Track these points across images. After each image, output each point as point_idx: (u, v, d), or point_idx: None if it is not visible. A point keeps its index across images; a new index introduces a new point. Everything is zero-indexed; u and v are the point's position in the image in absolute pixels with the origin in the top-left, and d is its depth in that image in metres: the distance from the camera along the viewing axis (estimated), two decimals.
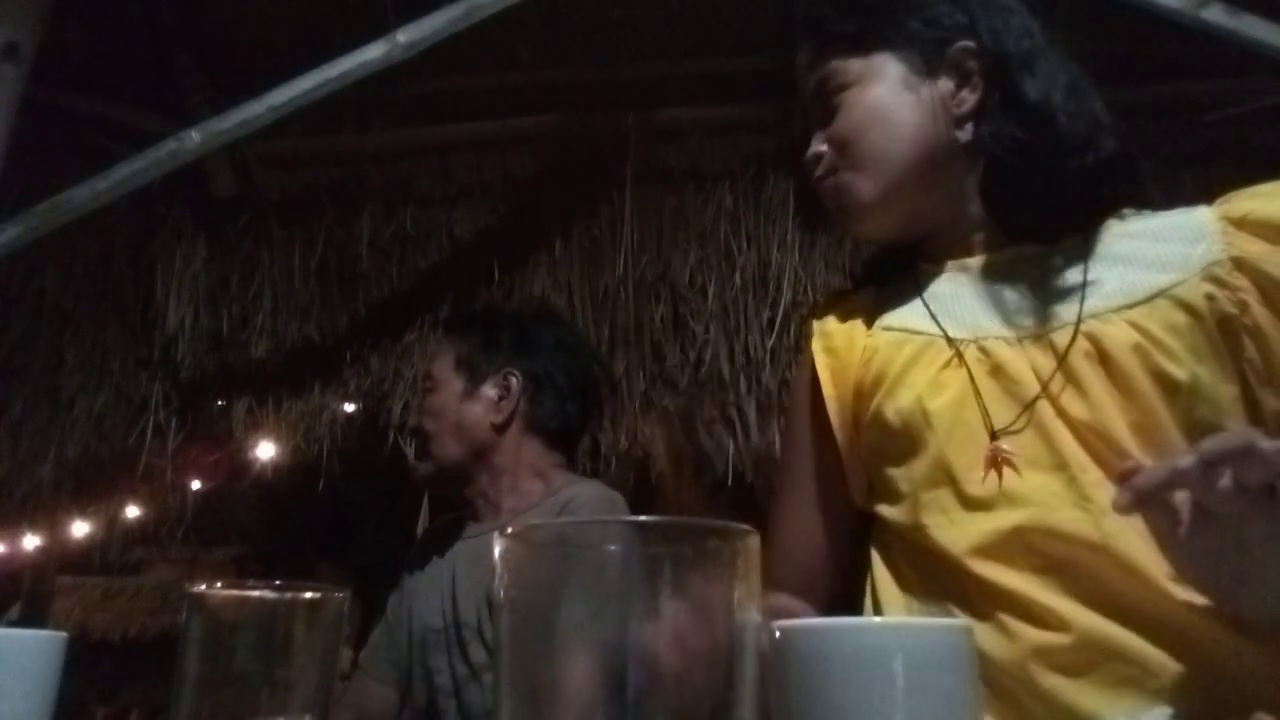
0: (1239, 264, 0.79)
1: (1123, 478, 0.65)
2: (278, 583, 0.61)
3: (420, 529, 3.83)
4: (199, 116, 1.98)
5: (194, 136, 1.86)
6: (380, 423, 2.59)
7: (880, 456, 0.89)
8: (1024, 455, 0.80)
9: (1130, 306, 0.80)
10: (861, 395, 0.91)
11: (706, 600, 0.40)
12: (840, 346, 0.95)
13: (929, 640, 0.46)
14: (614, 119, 2.51)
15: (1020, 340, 0.85)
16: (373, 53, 1.83)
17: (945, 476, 0.83)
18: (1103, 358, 0.80)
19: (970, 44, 0.92)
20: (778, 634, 0.47)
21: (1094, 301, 0.82)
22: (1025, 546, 0.78)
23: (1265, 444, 0.61)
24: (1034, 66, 0.91)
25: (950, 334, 0.88)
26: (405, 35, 1.82)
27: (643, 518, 0.41)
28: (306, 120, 2.19)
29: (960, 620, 0.48)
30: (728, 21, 2.35)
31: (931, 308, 0.91)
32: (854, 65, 0.94)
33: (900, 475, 0.86)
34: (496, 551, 0.42)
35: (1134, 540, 0.74)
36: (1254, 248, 0.80)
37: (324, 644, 0.62)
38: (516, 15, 1.95)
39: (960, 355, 0.86)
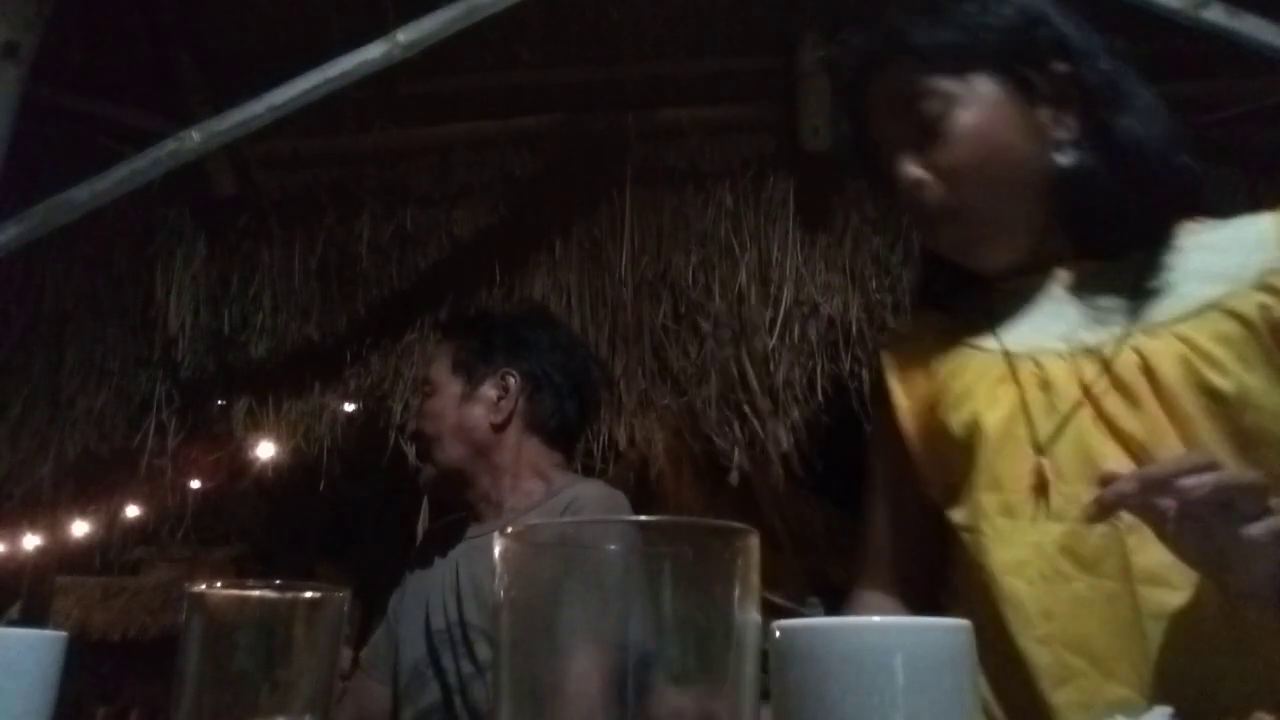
0: None
1: (1100, 484, 0.69)
2: (278, 583, 0.61)
3: (420, 529, 3.83)
4: (199, 116, 1.99)
5: (194, 136, 1.86)
6: (380, 423, 2.59)
7: (947, 465, 0.92)
8: (1065, 469, 0.82)
9: (1182, 320, 0.82)
10: (932, 407, 0.94)
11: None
12: (912, 361, 0.99)
13: (929, 640, 0.46)
14: (614, 119, 2.51)
15: (1073, 354, 0.87)
16: (373, 53, 1.83)
17: (995, 487, 0.86)
18: (1149, 372, 0.81)
19: (1066, 67, 0.90)
20: (778, 634, 0.47)
21: (1147, 316, 0.84)
22: (1057, 557, 0.81)
23: (1206, 472, 0.66)
24: (1122, 89, 0.91)
25: (1009, 348, 0.90)
26: (405, 35, 1.82)
27: (643, 518, 0.41)
28: (306, 120, 2.19)
29: (960, 620, 0.48)
30: (728, 21, 2.35)
31: (997, 323, 0.93)
32: (951, 86, 0.90)
33: (962, 484, 0.89)
34: (496, 551, 0.42)
35: (1157, 554, 0.75)
36: None
37: (324, 644, 0.62)
38: (516, 15, 1.95)
39: (1014, 370, 0.88)
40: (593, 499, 1.41)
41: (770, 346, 2.44)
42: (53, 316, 2.72)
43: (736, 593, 0.40)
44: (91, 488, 3.04)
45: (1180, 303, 0.83)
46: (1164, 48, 2.18)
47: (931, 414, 0.94)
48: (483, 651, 1.36)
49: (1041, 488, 0.83)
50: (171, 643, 0.59)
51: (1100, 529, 0.78)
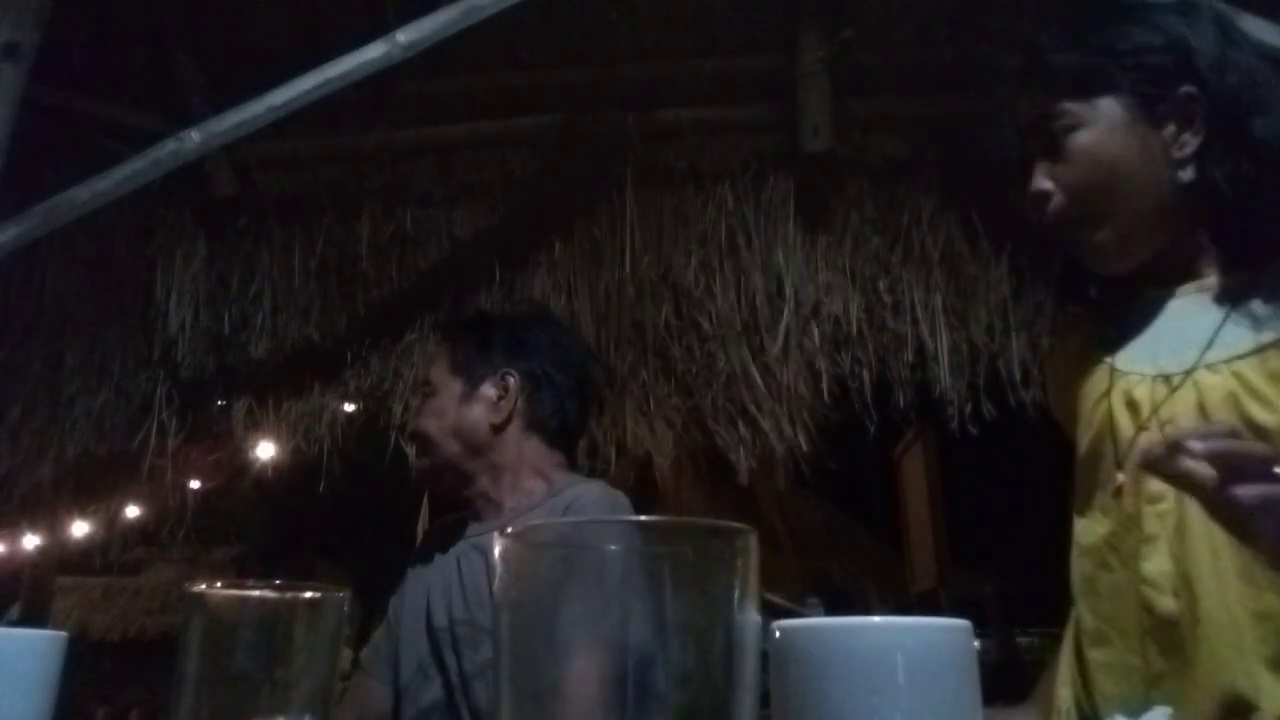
0: None
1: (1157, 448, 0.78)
2: (278, 583, 0.61)
3: (420, 529, 3.83)
4: (199, 116, 1.98)
5: (194, 136, 1.86)
6: (380, 423, 2.59)
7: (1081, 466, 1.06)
8: (1135, 483, 0.94)
9: (1243, 356, 0.90)
10: (1074, 417, 1.07)
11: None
12: (1062, 371, 1.13)
13: (929, 640, 0.46)
14: (614, 119, 2.51)
15: (1154, 378, 0.96)
16: (373, 53, 1.83)
17: (1089, 490, 1.01)
18: (1203, 405, 0.91)
19: (1192, 89, 0.96)
20: (778, 633, 0.47)
21: (1216, 350, 0.92)
22: (1104, 550, 0.99)
23: (1229, 439, 0.74)
24: (1259, 102, 0.95)
25: (1117, 365, 1.01)
26: (405, 35, 1.82)
27: (643, 518, 0.41)
28: (306, 120, 2.19)
29: (960, 620, 0.48)
30: (728, 21, 2.35)
31: (1118, 334, 1.03)
32: (1079, 108, 0.98)
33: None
34: (496, 551, 0.42)
35: (1160, 564, 0.92)
36: None
37: (324, 644, 0.62)
38: (516, 15, 1.95)
39: (1111, 388, 0.99)
40: (593, 499, 1.41)
41: (771, 346, 2.44)
42: (53, 317, 2.72)
43: (736, 593, 0.40)
44: (91, 488, 3.04)
45: (1249, 337, 0.91)
46: None
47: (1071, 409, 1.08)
48: (483, 651, 1.36)
49: (1118, 493, 0.96)
50: (171, 643, 0.59)
51: (1135, 533, 0.94)
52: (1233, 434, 0.76)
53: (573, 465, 1.61)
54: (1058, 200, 1.00)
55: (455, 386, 1.51)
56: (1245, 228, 0.95)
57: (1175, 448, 0.73)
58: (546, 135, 2.57)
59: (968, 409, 2.34)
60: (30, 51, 1.87)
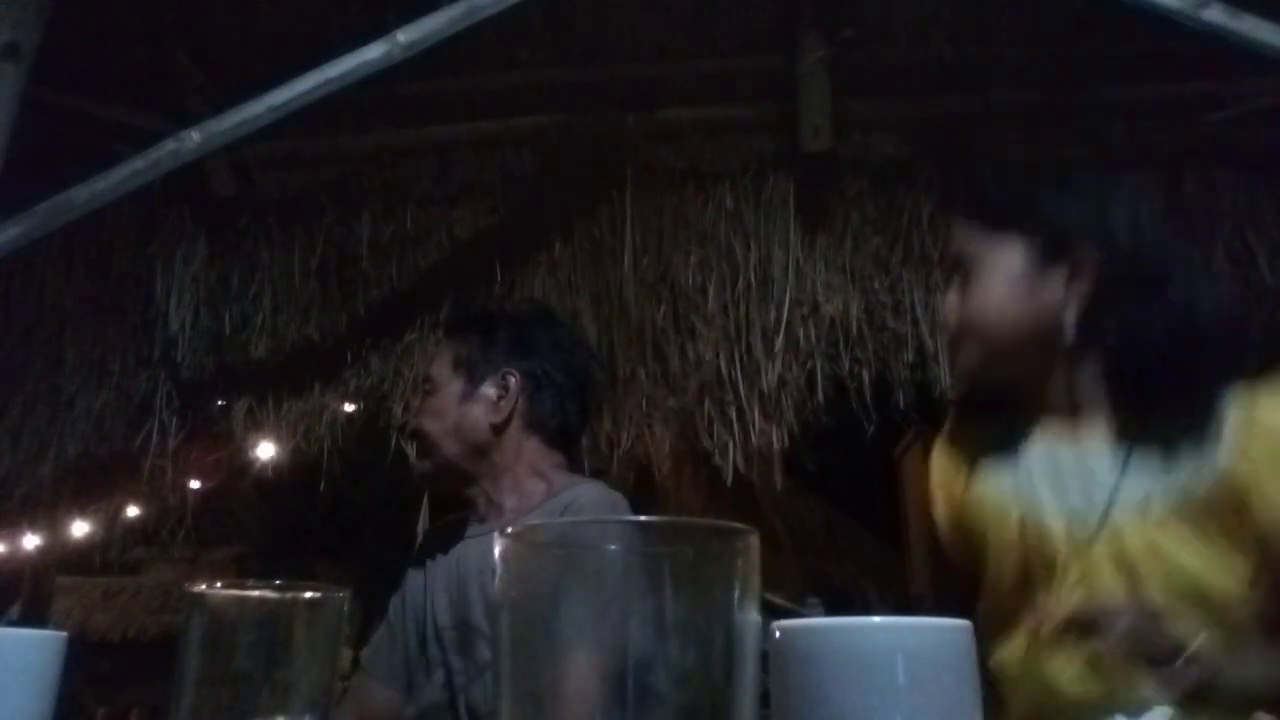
0: (1244, 461, 0.96)
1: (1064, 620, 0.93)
2: (278, 583, 0.61)
3: (420, 529, 3.83)
4: (199, 116, 1.98)
5: (194, 136, 1.86)
6: (380, 423, 2.59)
7: (970, 559, 1.14)
8: (1049, 612, 0.99)
9: (1154, 503, 0.98)
10: (964, 530, 1.14)
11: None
12: (949, 483, 1.19)
13: (929, 640, 0.46)
14: (614, 119, 2.51)
15: (1068, 521, 1.02)
16: (373, 53, 1.83)
17: (1012, 611, 1.06)
18: (1123, 557, 0.98)
19: (1088, 244, 1.04)
20: (778, 633, 0.47)
21: (1128, 495, 0.99)
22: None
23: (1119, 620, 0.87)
24: (1155, 274, 1.03)
25: (1023, 496, 1.06)
26: (405, 35, 1.82)
27: (644, 518, 0.41)
28: (306, 120, 2.19)
29: (961, 620, 0.48)
30: (728, 21, 2.35)
31: (1017, 467, 1.09)
32: (989, 242, 1.09)
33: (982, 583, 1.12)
34: (496, 551, 0.42)
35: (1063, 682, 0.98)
36: (1261, 451, 0.96)
37: (324, 644, 0.62)
38: (516, 15, 1.95)
39: (1024, 523, 1.05)
40: (593, 500, 1.40)
41: (771, 346, 2.43)
42: (53, 316, 2.72)
43: (736, 593, 0.40)
44: (92, 488, 3.04)
45: (1161, 484, 0.98)
46: (1164, 48, 2.19)
47: (959, 523, 1.15)
48: (484, 652, 1.36)
49: (1039, 625, 1.00)
50: (171, 643, 0.59)
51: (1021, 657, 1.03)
52: (1150, 616, 0.88)
53: (572, 466, 1.61)
54: (956, 318, 1.12)
55: (456, 385, 1.51)
56: (1137, 379, 1.03)
57: (1094, 625, 0.87)
58: (546, 135, 2.57)
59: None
60: (30, 51, 1.87)
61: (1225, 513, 0.96)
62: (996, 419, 1.14)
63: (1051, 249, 1.05)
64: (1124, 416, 1.03)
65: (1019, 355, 1.08)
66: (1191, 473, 0.96)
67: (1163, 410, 1.00)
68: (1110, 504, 0.99)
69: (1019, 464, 1.08)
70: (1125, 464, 1.00)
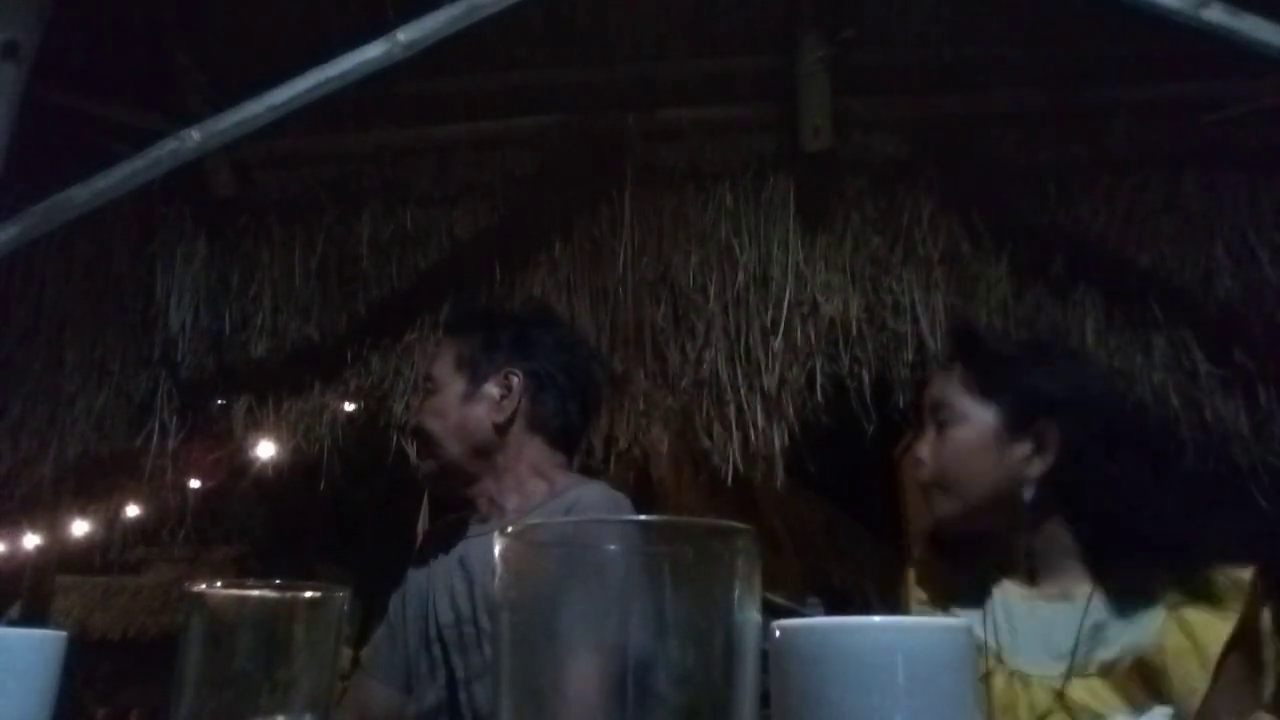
0: (1166, 647, 1.08)
1: None
2: (278, 583, 0.61)
3: (420, 529, 3.83)
4: (199, 116, 1.98)
5: (194, 136, 1.86)
6: (381, 422, 2.58)
7: None
8: None
9: (1101, 672, 1.10)
10: None
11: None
12: (927, 604, 1.26)
13: (929, 640, 0.46)
14: (614, 119, 2.50)
15: (1019, 666, 1.13)
16: (373, 52, 1.83)
17: None
18: (1071, 712, 1.08)
19: (1051, 422, 1.16)
20: (778, 633, 0.47)
21: (1082, 657, 1.10)
22: None
23: None
24: (1109, 449, 1.14)
25: (990, 648, 1.15)
26: (405, 35, 1.82)
27: (643, 518, 0.41)
28: (306, 120, 2.19)
29: (961, 621, 0.48)
30: (728, 21, 2.35)
31: (983, 613, 1.18)
32: (965, 403, 1.22)
33: None
34: (497, 551, 0.42)
35: None
36: (1174, 641, 1.08)
37: (324, 644, 0.62)
38: (517, 15, 1.95)
39: (990, 673, 1.13)
40: (595, 500, 1.40)
41: (771, 346, 2.43)
42: (53, 316, 2.72)
43: (736, 593, 0.40)
44: (92, 488, 3.04)
45: (1109, 653, 1.10)
46: (1164, 48, 2.19)
47: None
48: (485, 652, 1.35)
49: None
50: (171, 643, 0.59)
51: None
52: None
53: (574, 466, 1.61)
54: (928, 469, 1.24)
55: (458, 384, 1.51)
56: (1098, 536, 1.14)
57: None
58: (546, 135, 2.57)
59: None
60: (30, 51, 1.87)
61: (1146, 681, 1.08)
62: (966, 564, 1.25)
63: (1020, 422, 1.18)
64: (1091, 565, 1.15)
65: (985, 510, 1.20)
66: (1125, 646, 1.09)
67: (1108, 578, 1.13)
68: (1068, 657, 1.11)
69: (984, 610, 1.19)
70: (1078, 625, 1.11)
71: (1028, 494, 1.16)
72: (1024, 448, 1.17)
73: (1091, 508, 1.14)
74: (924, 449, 1.25)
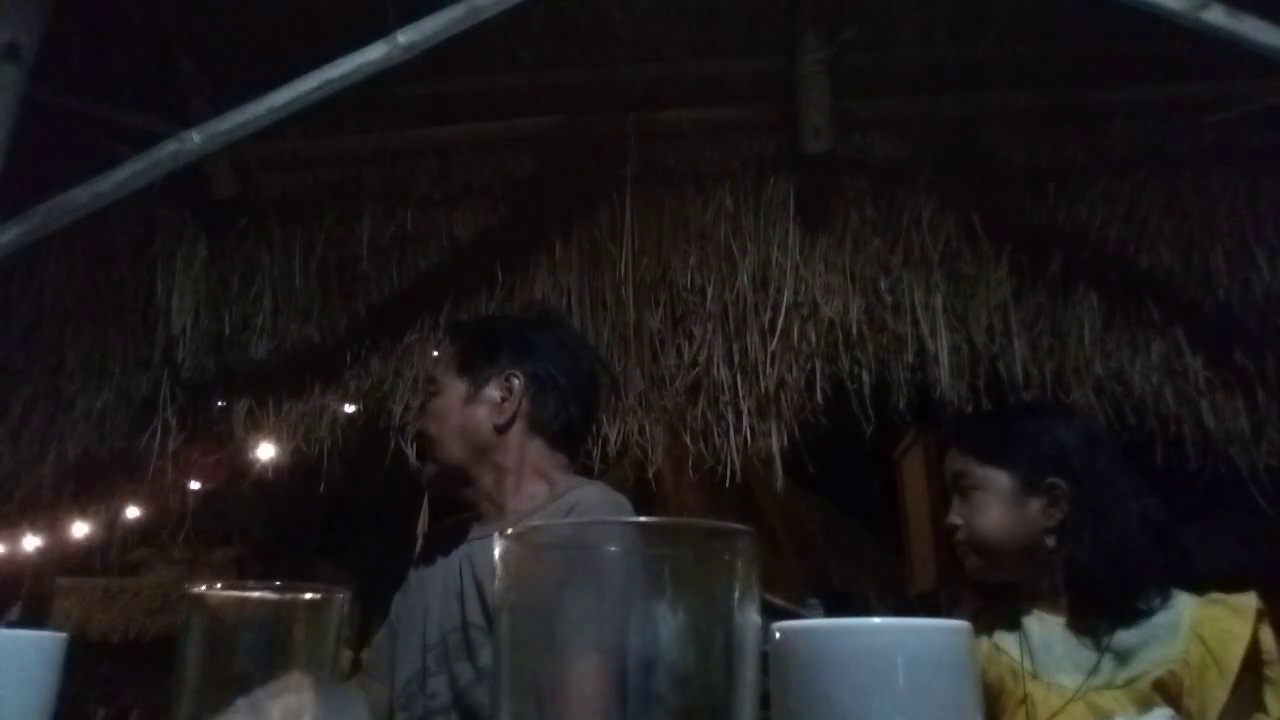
0: (1189, 662, 1.24)
1: None
2: (278, 583, 0.61)
3: (420, 529, 3.83)
4: (199, 117, 1.98)
5: (194, 137, 1.86)
6: (381, 423, 2.59)
7: None
8: None
9: (1126, 684, 1.25)
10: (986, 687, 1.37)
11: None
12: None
13: (929, 640, 0.46)
14: (614, 119, 2.50)
15: (1051, 680, 1.30)
16: (373, 53, 1.83)
17: None
18: (1089, 713, 1.25)
19: (1059, 480, 1.36)
20: (778, 634, 0.47)
21: (1100, 677, 1.27)
22: None
23: None
24: (1103, 508, 1.33)
25: (1024, 669, 1.33)
26: (405, 36, 1.82)
27: (643, 519, 0.41)
28: (306, 121, 2.19)
29: (961, 621, 0.48)
30: (728, 22, 2.35)
31: (1020, 636, 1.37)
32: (981, 471, 1.42)
33: None
34: (497, 552, 0.42)
35: None
36: (1196, 657, 1.24)
37: (324, 645, 0.62)
38: (517, 16, 1.95)
39: (1028, 695, 1.30)
40: (596, 501, 1.40)
41: (770, 347, 2.43)
42: (53, 317, 2.72)
43: (736, 594, 0.40)
44: (92, 488, 3.04)
45: (1127, 670, 1.26)
46: (1164, 49, 2.19)
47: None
48: (486, 654, 1.35)
49: None
50: (171, 643, 0.59)
51: None
52: None
53: (575, 468, 1.61)
54: (962, 533, 1.43)
55: (460, 387, 1.51)
56: (1097, 579, 1.31)
57: None
58: (546, 135, 2.57)
59: (968, 410, 2.35)
60: (30, 51, 1.87)
61: (1168, 695, 1.23)
62: (1002, 600, 1.44)
63: (1031, 481, 1.37)
64: (1094, 611, 1.32)
65: (1012, 561, 1.39)
66: (1149, 663, 1.25)
67: (1117, 608, 1.30)
68: (1086, 675, 1.27)
69: (1020, 636, 1.37)
70: (1100, 648, 1.29)
71: (1050, 541, 1.35)
72: (1038, 502, 1.37)
73: (1104, 541, 1.31)
74: (954, 515, 1.44)
